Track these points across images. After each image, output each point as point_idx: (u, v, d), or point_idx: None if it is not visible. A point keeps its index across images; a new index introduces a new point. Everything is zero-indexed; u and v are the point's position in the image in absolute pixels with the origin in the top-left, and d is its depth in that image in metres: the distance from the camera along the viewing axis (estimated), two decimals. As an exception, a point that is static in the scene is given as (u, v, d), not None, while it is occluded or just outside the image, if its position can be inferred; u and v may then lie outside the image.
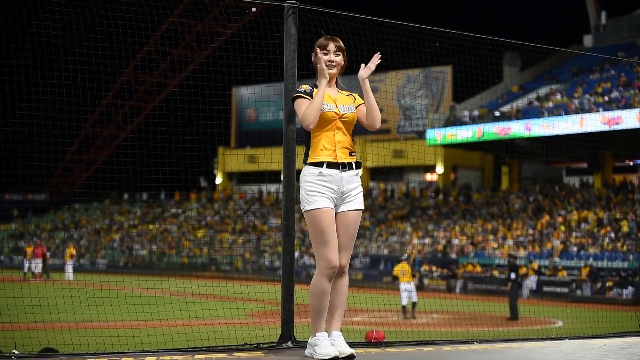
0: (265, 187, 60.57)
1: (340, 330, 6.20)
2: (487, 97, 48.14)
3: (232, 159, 62.19)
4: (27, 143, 9.09)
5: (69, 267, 38.79)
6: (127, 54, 9.81)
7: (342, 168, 6.06)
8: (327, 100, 6.08)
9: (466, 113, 44.82)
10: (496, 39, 8.89)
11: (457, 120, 45.42)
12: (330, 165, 6.04)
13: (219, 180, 65.32)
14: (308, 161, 6.09)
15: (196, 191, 63.07)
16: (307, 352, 6.16)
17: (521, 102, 44.56)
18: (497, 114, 43.59)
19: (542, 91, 46.10)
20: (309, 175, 6.04)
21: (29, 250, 38.04)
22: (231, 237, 53.42)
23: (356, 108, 6.23)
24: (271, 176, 58.78)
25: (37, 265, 36.64)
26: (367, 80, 6.13)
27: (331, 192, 6.03)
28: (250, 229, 53.78)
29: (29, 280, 33.22)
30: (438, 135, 45.81)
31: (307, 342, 6.26)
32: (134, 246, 55.88)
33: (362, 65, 6.16)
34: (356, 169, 6.14)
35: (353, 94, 6.32)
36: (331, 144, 6.06)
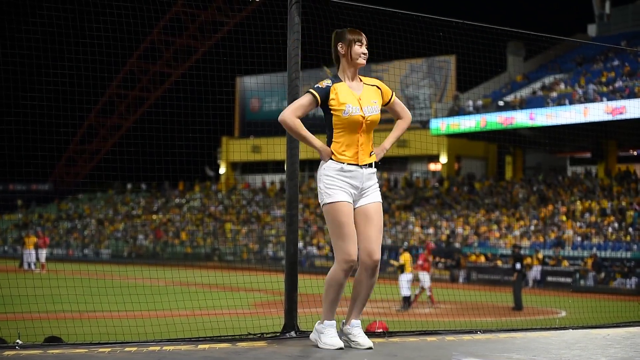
0: (268, 177, 60.53)
1: (360, 319, 6.20)
2: (491, 86, 48.03)
3: (236, 149, 62.11)
4: (30, 133, 9.09)
5: (32, 256, 35.97)
6: (130, 44, 9.80)
7: (362, 166, 6.02)
8: (352, 102, 5.95)
9: (470, 103, 44.76)
10: (500, 28, 8.86)
11: (460, 110, 45.38)
12: (352, 164, 6.00)
13: (222, 170, 65.33)
14: None
15: (199, 181, 63.07)
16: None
17: (525, 92, 44.50)
18: (501, 103, 43.53)
19: (546, 81, 46.02)
20: (329, 170, 5.96)
21: (30, 240, 37.59)
22: (234, 227, 53.41)
23: (387, 104, 6.27)
24: (275, 166, 58.77)
25: (42, 256, 36.54)
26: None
27: (350, 187, 5.96)
28: (254, 219, 53.78)
29: (33, 271, 33.18)
30: (442, 125, 45.79)
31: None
32: (138, 236, 55.95)
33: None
34: (375, 167, 6.13)
35: (377, 83, 6.22)
36: (354, 146, 5.99)
